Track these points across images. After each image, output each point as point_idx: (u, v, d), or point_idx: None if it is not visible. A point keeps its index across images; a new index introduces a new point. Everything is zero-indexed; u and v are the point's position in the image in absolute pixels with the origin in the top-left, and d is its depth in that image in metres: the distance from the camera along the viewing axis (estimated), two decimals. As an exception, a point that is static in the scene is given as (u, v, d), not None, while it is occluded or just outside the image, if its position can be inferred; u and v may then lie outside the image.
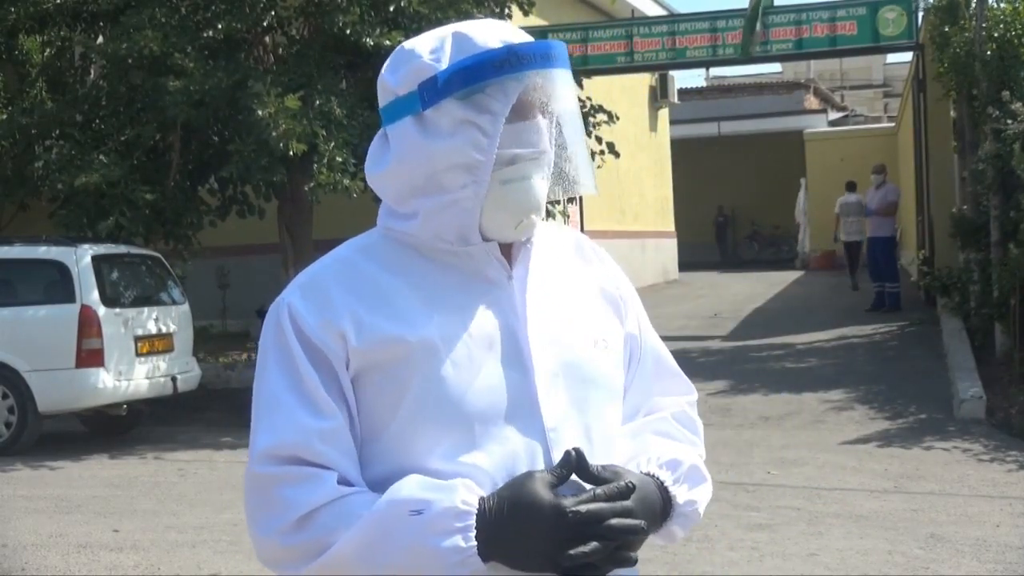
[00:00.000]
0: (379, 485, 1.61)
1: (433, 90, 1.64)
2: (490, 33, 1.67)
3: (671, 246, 24.82)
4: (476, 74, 1.62)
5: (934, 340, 13.28)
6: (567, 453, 1.59)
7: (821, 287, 21.42)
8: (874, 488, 7.89)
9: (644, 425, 1.81)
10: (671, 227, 25.09)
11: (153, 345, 10.69)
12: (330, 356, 1.63)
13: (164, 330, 10.89)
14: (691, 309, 18.58)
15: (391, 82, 1.70)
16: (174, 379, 10.85)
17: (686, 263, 25.63)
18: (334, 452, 1.61)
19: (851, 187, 19.15)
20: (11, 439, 10.08)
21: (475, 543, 1.54)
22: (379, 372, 1.63)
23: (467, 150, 1.63)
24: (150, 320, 10.73)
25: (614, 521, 1.55)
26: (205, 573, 6.29)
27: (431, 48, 1.67)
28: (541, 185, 1.68)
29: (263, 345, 1.69)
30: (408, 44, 1.71)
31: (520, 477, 1.59)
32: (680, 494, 1.71)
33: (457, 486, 1.56)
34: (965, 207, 13.33)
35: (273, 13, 11.92)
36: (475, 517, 1.54)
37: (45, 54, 13.93)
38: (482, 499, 1.56)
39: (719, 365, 12.89)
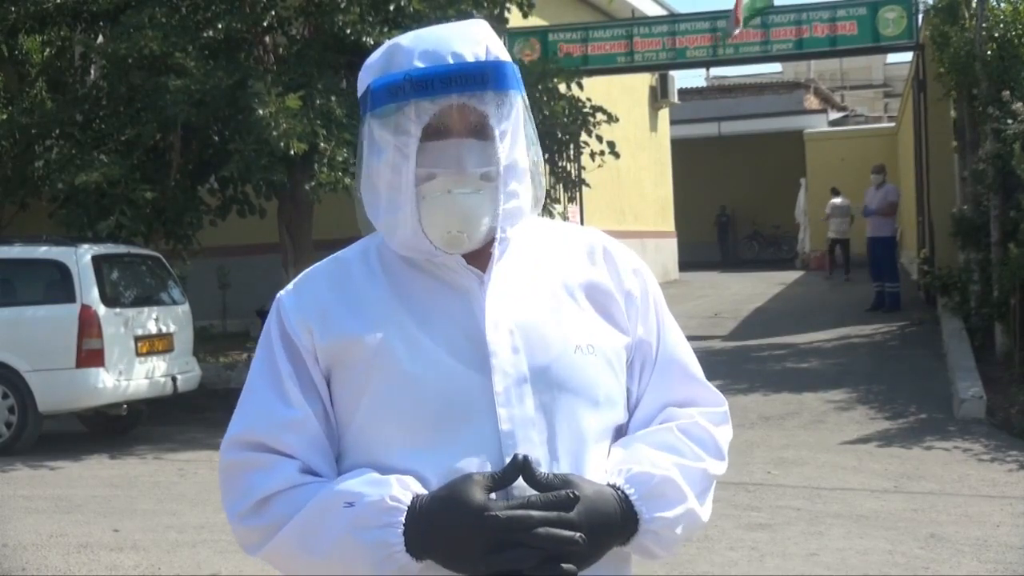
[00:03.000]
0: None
1: (364, 105, 1.72)
2: (419, 47, 1.68)
3: (671, 246, 24.83)
4: (378, 97, 1.68)
5: (934, 340, 13.27)
6: (514, 457, 1.59)
7: (821, 287, 21.43)
8: (874, 488, 7.88)
9: (642, 436, 1.73)
10: (671, 227, 25.10)
11: (153, 345, 10.68)
12: (302, 350, 1.70)
13: (164, 330, 10.89)
14: (691, 309, 18.58)
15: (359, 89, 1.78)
16: (174, 379, 10.84)
17: (686, 263, 25.64)
18: (299, 442, 1.67)
19: (836, 192, 22.20)
20: (11, 439, 10.07)
21: (402, 539, 1.57)
22: (342, 369, 1.69)
23: (387, 169, 1.68)
24: (150, 320, 10.73)
25: (541, 530, 1.53)
26: (205, 573, 6.29)
27: (372, 60, 1.74)
28: (466, 200, 1.65)
29: (259, 339, 1.77)
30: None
31: (457, 478, 1.59)
32: (646, 509, 1.64)
33: (391, 482, 1.59)
34: (965, 207, 13.32)
35: (273, 13, 11.92)
36: (404, 514, 1.57)
37: (45, 54, 13.93)
38: (415, 497, 1.59)
39: (719, 365, 12.88)
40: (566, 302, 1.75)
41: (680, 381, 1.80)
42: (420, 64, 1.66)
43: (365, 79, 1.73)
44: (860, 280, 19.51)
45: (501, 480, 1.58)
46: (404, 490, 1.59)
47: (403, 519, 1.57)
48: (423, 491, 1.59)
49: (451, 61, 1.66)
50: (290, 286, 1.77)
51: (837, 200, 21.56)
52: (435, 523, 1.56)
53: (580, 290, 1.76)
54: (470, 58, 1.66)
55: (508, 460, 1.60)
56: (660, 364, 1.79)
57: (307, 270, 1.79)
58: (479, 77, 1.66)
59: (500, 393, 1.65)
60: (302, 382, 1.69)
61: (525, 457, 1.58)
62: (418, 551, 1.57)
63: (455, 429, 1.63)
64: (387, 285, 1.72)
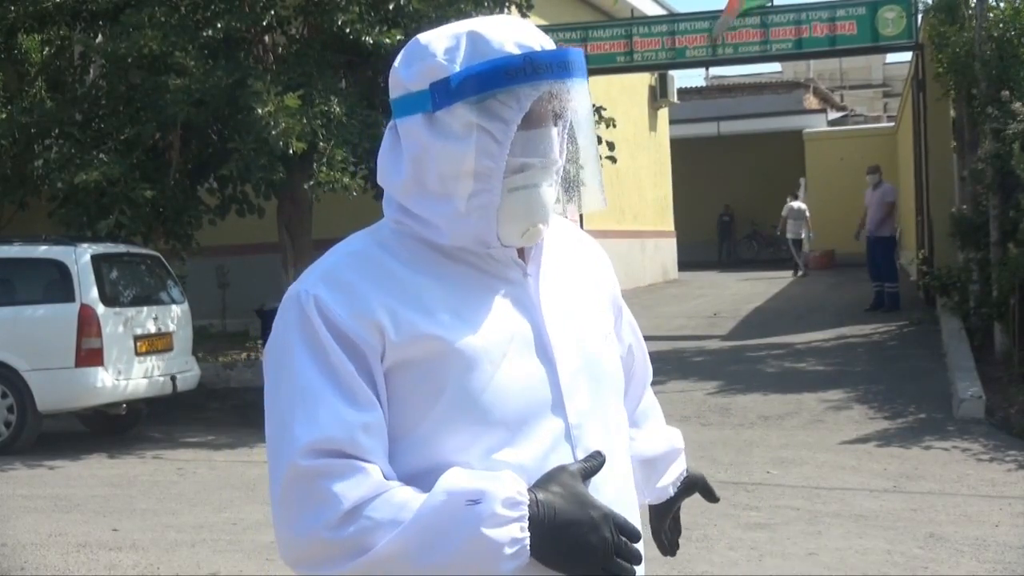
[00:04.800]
0: (406, 482, 1.58)
1: (445, 92, 1.60)
2: (507, 35, 1.63)
3: (670, 246, 24.85)
4: (489, 81, 1.58)
5: (933, 340, 13.27)
6: (597, 454, 1.62)
7: (820, 287, 21.44)
8: (873, 488, 7.88)
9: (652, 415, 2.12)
10: (671, 227, 25.12)
11: (152, 344, 10.68)
12: (365, 348, 1.59)
13: (163, 329, 10.89)
14: (691, 309, 18.59)
15: (403, 76, 1.67)
16: (173, 378, 10.84)
17: (686, 263, 25.67)
18: (374, 445, 1.58)
19: (795, 196, 25.36)
20: (10, 438, 10.07)
21: (528, 534, 1.52)
22: (414, 369, 1.61)
23: (477, 156, 1.59)
24: (149, 319, 10.72)
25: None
26: (204, 572, 6.28)
27: (445, 47, 1.63)
28: (549, 193, 1.66)
29: (284, 338, 1.63)
30: (423, 38, 1.67)
31: (557, 471, 1.59)
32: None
33: (505, 476, 1.54)
34: (964, 207, 13.31)
35: (272, 12, 11.91)
36: (527, 508, 1.53)
37: (44, 53, 13.89)
38: (530, 489, 1.56)
39: (718, 365, 12.89)
40: (588, 292, 1.79)
41: (646, 366, 2.07)
42: (517, 51, 1.61)
43: (440, 68, 1.62)
44: (850, 280, 19.52)
45: (588, 475, 1.60)
46: (520, 483, 1.54)
47: (527, 512, 1.53)
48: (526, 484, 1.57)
49: (540, 49, 1.63)
50: (317, 282, 1.63)
51: (795, 204, 24.53)
52: (560, 518, 1.54)
53: (591, 281, 1.82)
54: (553, 47, 1.64)
55: (578, 453, 1.64)
56: (638, 353, 2.01)
57: (327, 265, 1.67)
58: (580, 65, 1.64)
59: (567, 386, 1.66)
60: (367, 382, 1.59)
61: (604, 456, 1.63)
62: (535, 546, 1.53)
63: (531, 425, 1.62)
64: (432, 278, 1.65)
